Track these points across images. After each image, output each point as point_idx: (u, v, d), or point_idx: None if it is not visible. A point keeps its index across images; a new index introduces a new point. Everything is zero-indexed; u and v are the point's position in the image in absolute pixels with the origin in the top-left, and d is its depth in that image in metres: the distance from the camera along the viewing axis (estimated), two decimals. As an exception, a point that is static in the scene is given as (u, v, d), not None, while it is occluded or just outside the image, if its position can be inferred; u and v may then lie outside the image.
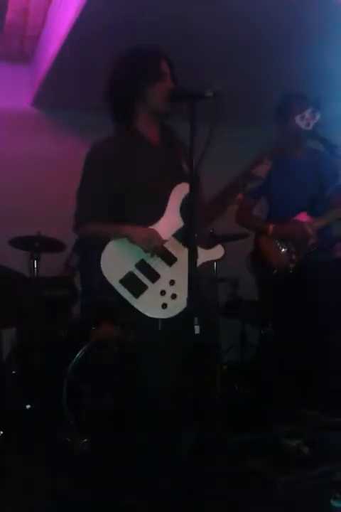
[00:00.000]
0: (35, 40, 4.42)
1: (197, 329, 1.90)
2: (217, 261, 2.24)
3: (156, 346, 2.10)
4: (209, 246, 2.20)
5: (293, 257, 3.14)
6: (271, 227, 3.20)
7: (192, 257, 1.93)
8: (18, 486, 2.64)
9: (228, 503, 2.31)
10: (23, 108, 4.75)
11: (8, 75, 4.66)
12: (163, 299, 2.07)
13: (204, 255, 2.15)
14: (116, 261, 2.11)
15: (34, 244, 3.59)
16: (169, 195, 2.18)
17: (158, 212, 2.17)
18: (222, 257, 2.23)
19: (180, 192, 2.19)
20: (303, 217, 3.16)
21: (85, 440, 2.91)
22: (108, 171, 2.18)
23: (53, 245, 3.58)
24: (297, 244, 3.14)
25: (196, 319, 1.89)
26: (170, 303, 2.07)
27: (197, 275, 1.93)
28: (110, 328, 3.23)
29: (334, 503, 2.28)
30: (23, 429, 3.20)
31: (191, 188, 1.95)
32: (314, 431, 3.05)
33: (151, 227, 2.14)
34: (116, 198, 2.20)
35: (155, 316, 2.07)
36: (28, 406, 3.33)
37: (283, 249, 3.19)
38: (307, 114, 2.18)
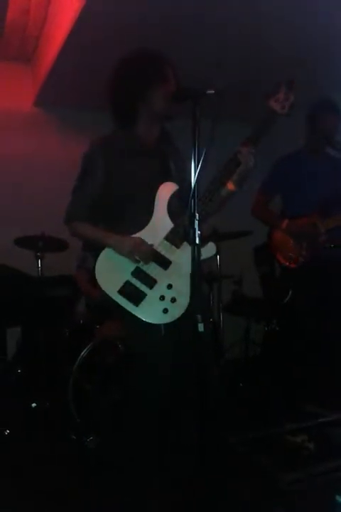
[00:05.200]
0: (36, 40, 4.42)
1: (201, 327, 1.91)
2: (210, 258, 2.22)
3: (160, 351, 2.10)
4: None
5: (304, 252, 3.22)
6: (285, 222, 3.34)
7: (195, 254, 1.94)
8: (24, 485, 2.64)
9: (232, 500, 2.31)
10: (25, 107, 4.75)
11: (9, 75, 4.66)
12: (163, 304, 2.07)
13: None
14: (111, 271, 2.10)
15: (38, 244, 3.60)
16: None
17: (148, 217, 2.16)
18: (215, 255, 2.22)
19: (166, 192, 2.19)
20: (316, 216, 3.27)
21: (91, 438, 2.92)
22: (100, 172, 2.19)
23: (57, 245, 3.59)
24: (308, 240, 3.24)
25: (200, 317, 1.90)
26: (171, 307, 2.07)
27: (200, 273, 1.94)
28: (114, 326, 3.23)
29: (340, 500, 2.28)
30: (29, 427, 3.22)
31: (194, 187, 1.96)
32: (319, 427, 3.04)
33: (141, 232, 2.13)
34: (107, 199, 2.20)
35: (158, 322, 2.06)
36: (33, 404, 3.34)
37: (295, 244, 3.26)
38: (281, 97, 2.12)
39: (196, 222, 1.95)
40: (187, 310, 2.07)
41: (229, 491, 2.35)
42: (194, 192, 1.96)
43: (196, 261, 1.93)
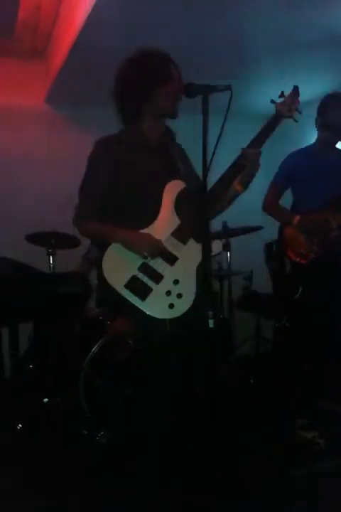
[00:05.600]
0: (47, 37, 4.44)
1: (211, 323, 1.92)
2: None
3: (166, 346, 2.11)
4: None
5: (315, 248, 3.22)
6: (297, 218, 3.33)
7: (206, 250, 1.96)
8: (36, 479, 2.67)
9: (243, 496, 2.31)
10: (36, 104, 4.77)
11: (21, 72, 4.67)
12: (169, 299, 2.08)
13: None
14: (118, 266, 2.12)
15: (50, 241, 3.62)
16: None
17: (155, 213, 2.18)
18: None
19: (173, 189, 2.21)
20: (328, 211, 3.26)
21: (102, 433, 2.94)
22: (107, 170, 2.20)
23: (68, 241, 3.61)
24: (319, 235, 3.24)
25: (210, 313, 1.91)
26: (177, 302, 2.08)
27: (210, 269, 1.96)
28: (125, 322, 3.25)
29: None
30: (41, 422, 3.25)
31: (203, 182, 1.97)
32: (330, 423, 3.04)
33: (148, 228, 2.15)
34: (114, 197, 2.22)
35: (164, 317, 2.08)
36: (45, 399, 3.36)
37: (306, 240, 3.26)
38: (288, 101, 2.24)
39: (206, 219, 1.97)
40: (196, 306, 2.09)
41: (240, 487, 2.36)
42: (203, 189, 1.98)
43: (207, 258, 1.95)
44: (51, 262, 3.66)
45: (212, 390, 1.96)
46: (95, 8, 3.15)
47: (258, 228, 4.04)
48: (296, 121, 2.32)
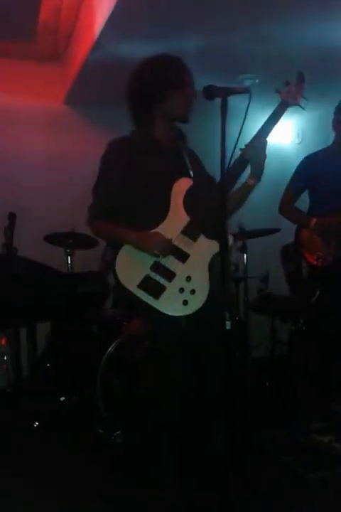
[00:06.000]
0: (67, 39, 4.48)
1: (228, 325, 1.92)
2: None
3: (181, 345, 2.13)
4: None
5: (332, 251, 3.20)
6: (314, 220, 3.30)
7: (224, 250, 1.97)
8: (53, 477, 2.69)
9: (259, 499, 2.31)
10: (55, 106, 4.82)
11: (40, 74, 4.72)
12: (182, 296, 2.10)
13: (213, 246, 2.15)
14: (130, 266, 2.14)
15: (68, 241, 3.66)
16: None
17: (165, 212, 2.20)
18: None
19: (181, 187, 2.22)
20: None
21: (118, 432, 2.96)
22: (118, 171, 2.23)
23: (86, 242, 3.64)
24: (337, 238, 3.22)
25: (227, 314, 1.92)
26: (190, 299, 2.09)
27: (228, 271, 1.96)
28: (140, 322, 3.26)
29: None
30: (57, 420, 3.28)
31: (223, 184, 1.99)
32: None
33: (158, 227, 2.17)
34: (126, 198, 2.24)
35: (178, 314, 2.09)
36: (62, 398, 3.40)
37: (323, 243, 3.24)
38: (292, 89, 2.21)
39: (224, 222, 1.98)
40: (212, 306, 2.10)
41: (256, 490, 2.36)
42: (222, 188, 1.99)
43: (225, 261, 1.96)
44: (69, 262, 3.70)
45: (228, 391, 1.96)
46: (115, 11, 3.18)
47: (275, 231, 4.04)
48: (303, 108, 2.28)
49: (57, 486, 2.60)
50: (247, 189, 2.27)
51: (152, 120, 2.29)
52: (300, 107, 2.28)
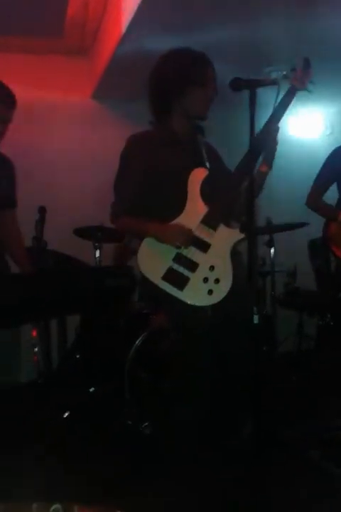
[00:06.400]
0: (94, 34, 4.51)
1: (256, 319, 1.93)
2: (241, 241, 2.23)
3: (207, 336, 2.15)
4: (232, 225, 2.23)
5: None
6: None
7: (252, 245, 1.97)
8: (82, 467, 2.71)
9: (286, 495, 2.31)
10: (83, 101, 4.87)
11: (68, 69, 4.78)
12: (207, 286, 2.11)
13: (235, 235, 2.17)
14: (153, 259, 2.17)
15: (97, 235, 3.70)
16: None
17: (183, 203, 2.21)
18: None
19: (197, 177, 2.23)
20: None
21: (146, 423, 2.99)
22: (138, 166, 2.26)
23: (114, 235, 3.68)
24: None
25: (255, 309, 1.92)
26: (215, 288, 2.10)
27: (255, 265, 1.96)
28: (166, 315, 3.28)
29: None
30: (87, 411, 3.32)
31: (251, 177, 2.00)
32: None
33: (178, 219, 2.18)
34: (146, 192, 2.26)
35: (204, 304, 2.11)
36: (91, 389, 3.44)
37: None
38: (299, 74, 2.23)
39: (252, 212, 1.99)
40: (234, 294, 2.10)
41: (282, 486, 2.36)
42: (251, 183, 2.00)
43: (253, 255, 1.96)
44: (97, 255, 3.74)
45: (255, 386, 1.97)
46: (141, 4, 3.19)
47: (304, 224, 4.00)
48: (311, 92, 2.32)
49: (87, 475, 2.62)
50: (260, 177, 2.26)
51: (170, 114, 2.31)
52: (308, 91, 2.31)
